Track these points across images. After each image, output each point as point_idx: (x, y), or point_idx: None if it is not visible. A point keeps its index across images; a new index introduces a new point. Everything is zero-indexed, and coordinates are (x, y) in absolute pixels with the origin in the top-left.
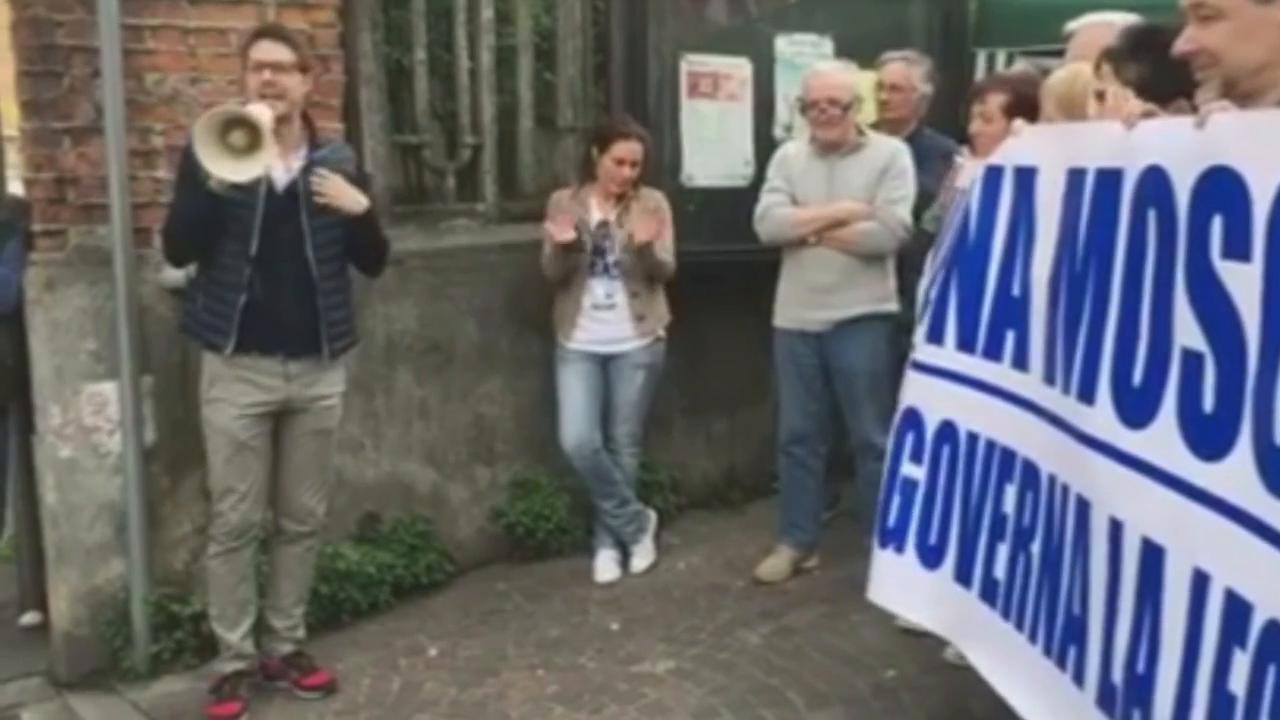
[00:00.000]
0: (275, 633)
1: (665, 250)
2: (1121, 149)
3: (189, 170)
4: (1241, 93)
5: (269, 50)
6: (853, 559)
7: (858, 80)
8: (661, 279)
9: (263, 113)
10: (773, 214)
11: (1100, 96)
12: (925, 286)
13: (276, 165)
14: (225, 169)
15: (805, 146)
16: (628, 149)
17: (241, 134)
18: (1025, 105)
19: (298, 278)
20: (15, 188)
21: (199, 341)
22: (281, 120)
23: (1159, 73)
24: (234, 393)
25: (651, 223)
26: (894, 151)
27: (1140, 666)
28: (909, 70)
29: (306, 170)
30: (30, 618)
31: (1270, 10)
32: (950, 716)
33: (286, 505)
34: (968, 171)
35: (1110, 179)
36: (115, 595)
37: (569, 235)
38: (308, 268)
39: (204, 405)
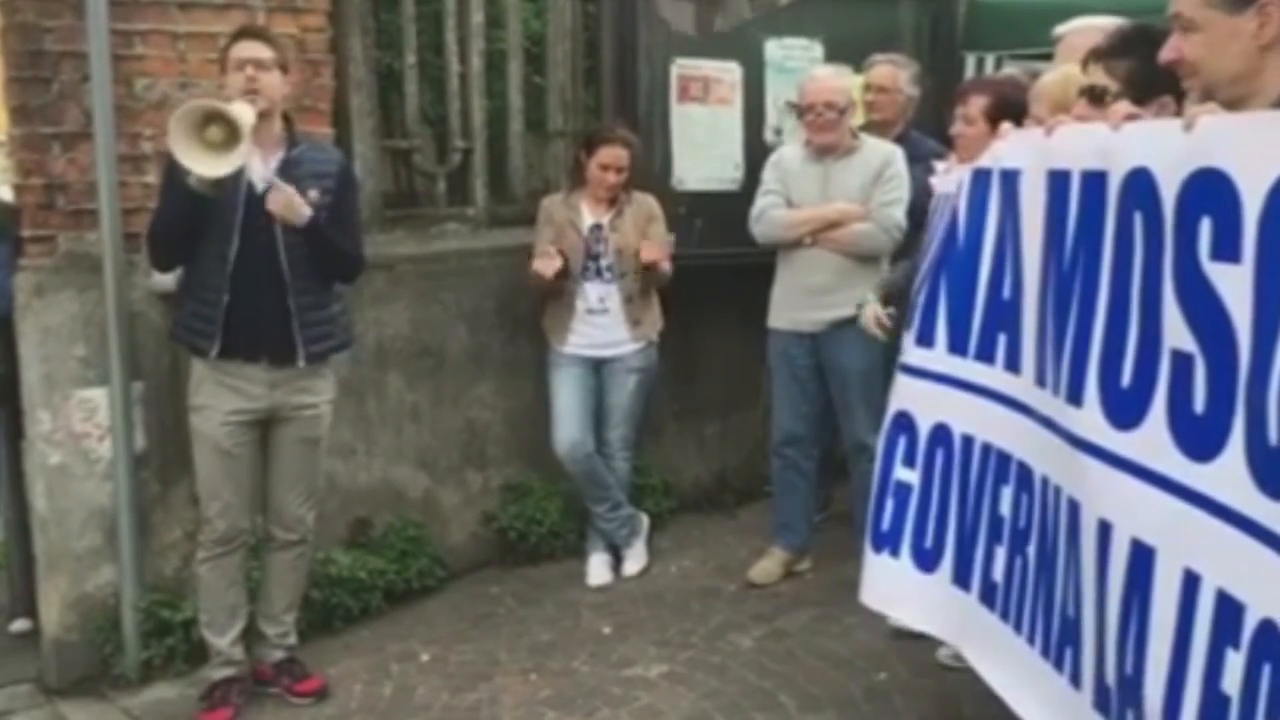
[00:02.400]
0: (267, 639)
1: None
2: (1106, 151)
3: (172, 172)
4: (1222, 102)
5: (250, 48)
6: (845, 561)
7: (851, 84)
8: (659, 285)
9: (244, 110)
10: (769, 215)
11: (1086, 93)
12: (913, 291)
13: (256, 165)
14: (201, 164)
15: (800, 150)
16: (612, 155)
17: (218, 129)
18: (1007, 108)
19: (274, 281)
20: (4, 193)
21: (185, 346)
22: (262, 118)
23: (1147, 69)
24: (218, 400)
25: (654, 248)
26: (888, 155)
27: (1129, 667)
28: (896, 72)
29: (282, 171)
30: (20, 624)
31: (1242, 21)
32: (942, 719)
33: (276, 513)
34: (951, 176)
35: (1095, 181)
36: (106, 601)
37: (556, 265)
38: (281, 271)
39: (190, 412)
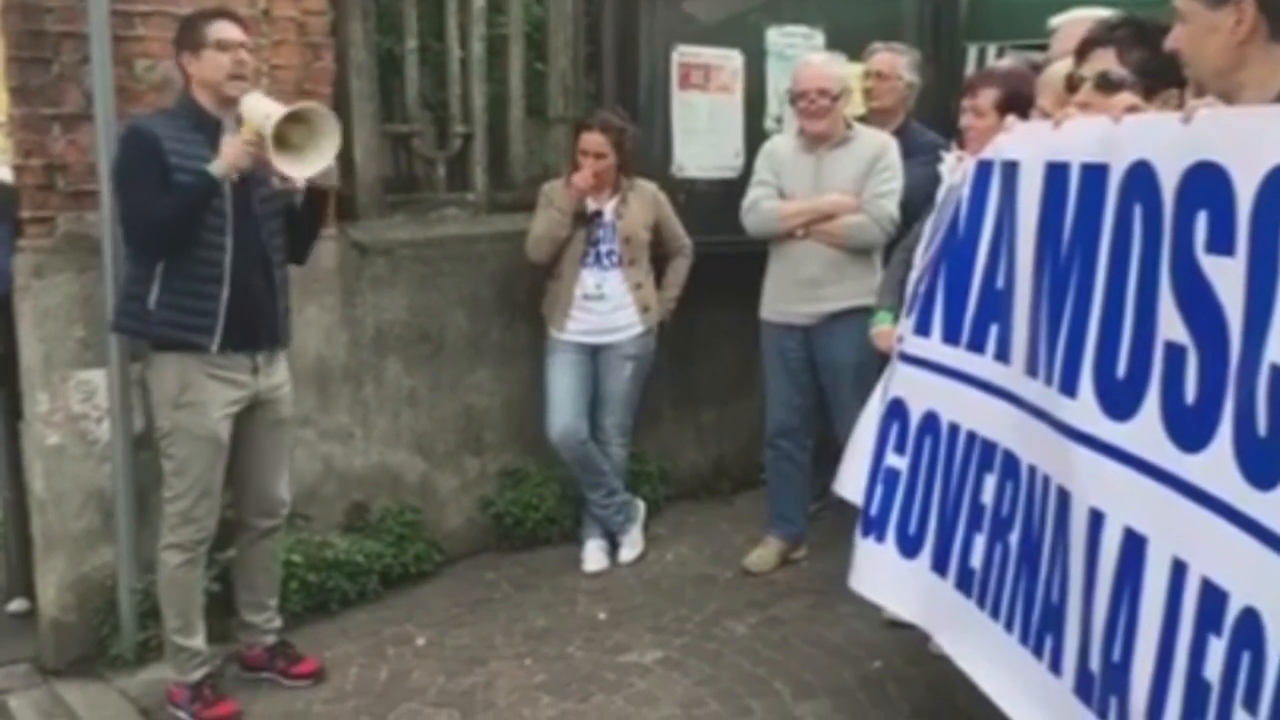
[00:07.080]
0: (254, 627)
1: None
2: (1107, 144)
3: (152, 165)
4: (1213, 94)
5: (232, 30)
6: (840, 550)
7: (846, 72)
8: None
9: (261, 103)
10: (760, 207)
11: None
12: (914, 280)
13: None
14: (293, 167)
15: (793, 139)
16: (588, 140)
17: (303, 129)
18: (1018, 100)
19: (262, 269)
20: (4, 174)
21: (158, 343)
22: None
23: (1159, 60)
24: (212, 393)
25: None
26: (882, 145)
27: (1116, 655)
28: (895, 59)
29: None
30: (18, 605)
31: (1220, 16)
32: (935, 708)
33: (259, 501)
34: (961, 168)
35: (1096, 174)
36: (103, 583)
37: (590, 179)
38: (266, 253)
39: (174, 412)
